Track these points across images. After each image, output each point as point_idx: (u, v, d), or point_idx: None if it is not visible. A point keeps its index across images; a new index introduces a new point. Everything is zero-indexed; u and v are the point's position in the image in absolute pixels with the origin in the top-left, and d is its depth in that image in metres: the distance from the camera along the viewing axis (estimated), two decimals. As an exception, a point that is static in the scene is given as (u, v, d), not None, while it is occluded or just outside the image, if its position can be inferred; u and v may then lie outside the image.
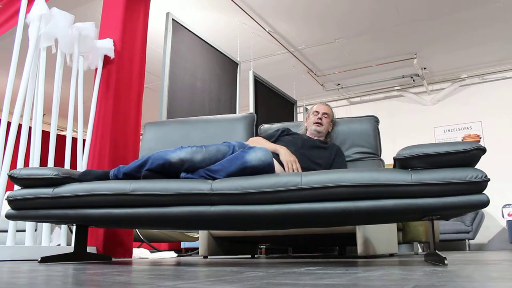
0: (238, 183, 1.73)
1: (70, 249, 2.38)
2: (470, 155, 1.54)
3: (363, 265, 1.78)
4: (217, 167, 1.88)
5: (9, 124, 2.70)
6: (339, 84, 7.12)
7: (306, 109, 6.69)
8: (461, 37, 5.68)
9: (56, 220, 2.20)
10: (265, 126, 2.74)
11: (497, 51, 6.10)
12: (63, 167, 2.58)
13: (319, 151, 2.28)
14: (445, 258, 1.61)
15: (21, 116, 2.73)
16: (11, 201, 2.02)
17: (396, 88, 7.23)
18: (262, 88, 5.24)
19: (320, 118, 2.43)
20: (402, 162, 1.62)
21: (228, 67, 4.71)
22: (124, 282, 1.05)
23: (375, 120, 2.50)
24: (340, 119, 2.56)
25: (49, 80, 2.88)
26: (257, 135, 2.70)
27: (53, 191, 1.95)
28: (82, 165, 3.03)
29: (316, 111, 2.47)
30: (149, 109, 4.82)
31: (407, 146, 1.62)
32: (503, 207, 5.59)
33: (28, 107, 2.78)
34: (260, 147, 1.96)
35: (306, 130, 2.48)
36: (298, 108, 6.45)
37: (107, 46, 3.24)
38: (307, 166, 2.12)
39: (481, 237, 6.15)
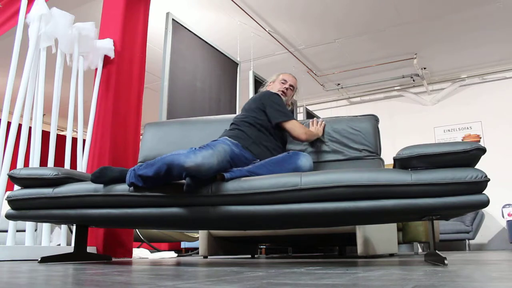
0: (238, 184, 1.73)
1: (70, 249, 2.38)
2: (470, 155, 1.54)
3: (363, 265, 1.78)
4: (262, 171, 1.88)
5: (9, 124, 2.70)
6: (339, 84, 7.12)
7: (307, 109, 6.70)
8: (461, 37, 5.68)
9: (56, 220, 2.21)
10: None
11: (497, 51, 6.10)
12: (63, 167, 2.58)
13: None
14: (445, 258, 1.61)
15: (21, 116, 2.73)
16: (11, 201, 2.03)
17: (396, 88, 7.23)
18: (262, 88, 5.23)
19: (287, 89, 2.42)
20: (402, 162, 1.62)
21: (228, 67, 4.71)
22: (124, 282, 1.05)
23: (375, 119, 2.49)
24: (340, 118, 2.55)
25: (49, 80, 2.88)
26: None
27: (53, 191, 1.96)
28: (82, 165, 3.03)
29: (285, 80, 2.44)
30: (149, 109, 4.82)
31: (407, 146, 1.62)
32: (503, 207, 5.59)
33: (28, 107, 2.78)
34: (303, 153, 2.04)
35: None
36: (298, 108, 6.45)
37: (107, 46, 3.24)
38: None
39: (481, 237, 6.15)
